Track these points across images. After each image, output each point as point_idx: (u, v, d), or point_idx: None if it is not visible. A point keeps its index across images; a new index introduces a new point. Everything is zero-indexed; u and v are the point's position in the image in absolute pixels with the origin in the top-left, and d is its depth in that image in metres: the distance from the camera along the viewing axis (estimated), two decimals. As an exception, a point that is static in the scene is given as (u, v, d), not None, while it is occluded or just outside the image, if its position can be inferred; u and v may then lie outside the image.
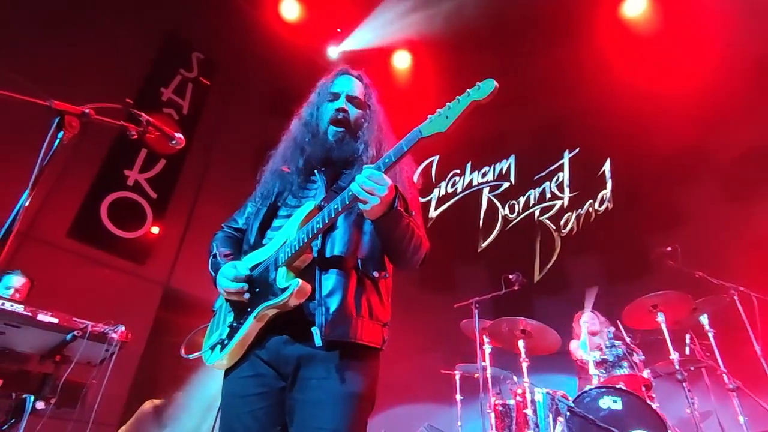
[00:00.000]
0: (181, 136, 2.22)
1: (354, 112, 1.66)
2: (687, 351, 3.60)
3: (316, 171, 1.60)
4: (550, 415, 3.52)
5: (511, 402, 3.78)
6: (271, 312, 1.35)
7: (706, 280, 3.71)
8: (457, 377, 4.36)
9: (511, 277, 4.35)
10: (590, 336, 4.20)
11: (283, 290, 1.31)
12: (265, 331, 1.38)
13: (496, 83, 1.20)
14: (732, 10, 5.24)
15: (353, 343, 1.31)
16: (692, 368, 3.54)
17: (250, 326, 1.36)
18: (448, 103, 1.25)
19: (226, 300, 1.49)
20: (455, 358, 4.48)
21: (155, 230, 5.03)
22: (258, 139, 5.85)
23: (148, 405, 4.46)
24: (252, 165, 1.83)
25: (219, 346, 1.42)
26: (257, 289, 1.40)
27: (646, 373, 3.49)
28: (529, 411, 3.47)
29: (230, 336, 1.40)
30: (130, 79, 5.23)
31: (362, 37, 6.84)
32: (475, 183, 7.04)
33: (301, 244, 1.34)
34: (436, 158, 7.21)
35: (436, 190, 7.08)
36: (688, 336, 3.65)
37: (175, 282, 5.02)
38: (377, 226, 1.37)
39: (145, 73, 5.41)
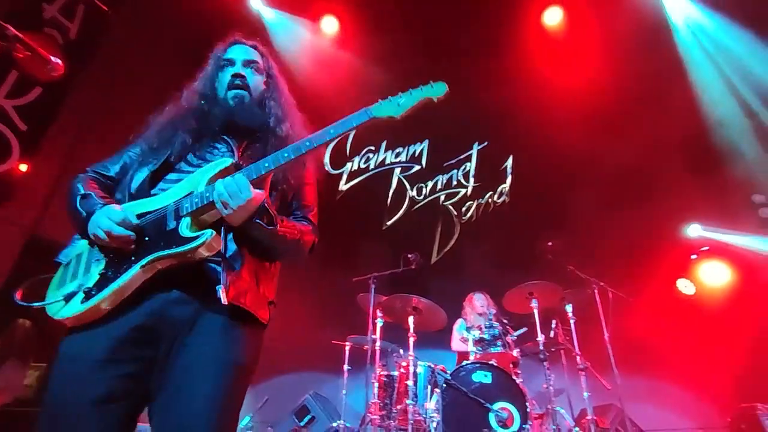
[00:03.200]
0: (59, 61, 1.92)
1: (253, 78, 1.62)
2: (552, 334, 4.07)
3: (225, 136, 1.52)
4: (429, 387, 3.78)
5: (395, 373, 3.99)
6: (163, 264, 1.24)
7: (575, 274, 4.19)
8: (347, 348, 4.48)
9: (410, 256, 4.53)
10: (477, 316, 4.56)
11: (190, 240, 1.22)
12: (150, 285, 1.24)
13: (447, 88, 1.36)
14: (626, 29, 5.80)
15: (245, 312, 1.29)
16: (553, 349, 4.02)
17: (133, 276, 1.22)
18: (400, 93, 1.37)
19: (100, 246, 1.29)
20: (347, 329, 4.59)
21: (23, 168, 4.36)
22: (161, 84, 5.28)
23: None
24: (151, 111, 1.66)
25: (82, 296, 1.23)
26: (147, 238, 1.27)
27: (515, 352, 3.88)
28: (410, 382, 3.68)
29: (100, 286, 1.22)
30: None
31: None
32: (388, 162, 7.13)
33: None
34: (352, 132, 7.14)
35: (348, 164, 7.05)
36: (554, 321, 4.11)
37: (45, 229, 4.43)
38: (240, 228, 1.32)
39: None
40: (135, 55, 5.47)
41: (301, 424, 4.32)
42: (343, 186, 6.96)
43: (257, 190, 1.28)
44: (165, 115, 1.59)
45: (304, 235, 1.45)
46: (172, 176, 1.43)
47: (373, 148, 7.18)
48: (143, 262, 1.23)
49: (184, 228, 1.26)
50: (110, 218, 1.25)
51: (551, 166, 6.30)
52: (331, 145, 7.14)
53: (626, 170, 5.80)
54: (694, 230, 5.51)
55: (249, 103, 1.55)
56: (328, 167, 6.97)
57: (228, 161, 1.37)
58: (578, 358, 3.82)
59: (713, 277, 5.36)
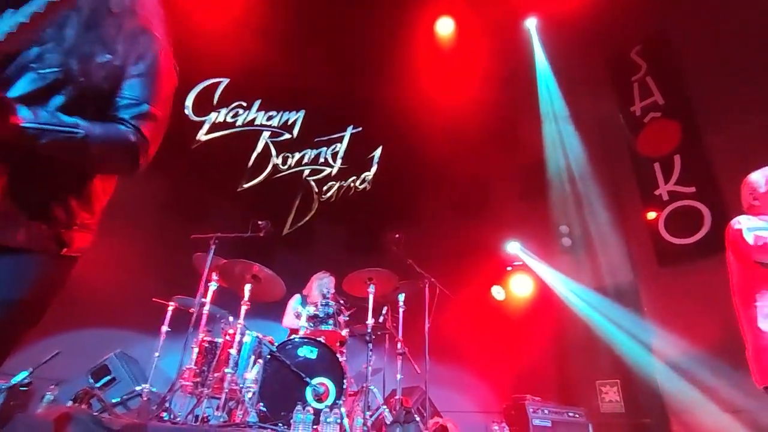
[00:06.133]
0: None
1: None
2: (381, 319, 4.33)
3: None
4: (252, 357, 3.69)
5: (219, 340, 3.79)
6: None
7: (413, 267, 4.52)
8: (170, 308, 4.12)
9: (260, 223, 4.33)
10: (319, 294, 4.58)
11: None
12: None
13: None
14: (502, 63, 6.48)
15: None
16: (379, 333, 4.29)
17: None
18: None
19: None
20: (174, 289, 4.21)
21: None
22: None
23: None
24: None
25: None
26: None
27: (344, 332, 4.02)
28: (233, 351, 3.54)
29: None
30: None
31: None
32: (257, 123, 6.74)
33: None
34: (225, 81, 6.57)
35: (213, 114, 6.46)
36: (385, 308, 4.39)
37: None
38: None
39: None
40: None
41: (97, 385, 3.82)
42: (203, 136, 6.36)
43: None
44: None
45: (94, 137, 1.02)
46: None
47: (244, 104, 6.71)
48: None
49: None
50: None
51: (413, 165, 6.70)
52: (195, 91, 6.49)
53: (472, 184, 6.48)
54: (513, 246, 6.41)
55: None
56: (189, 112, 6.29)
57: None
58: (399, 343, 4.15)
59: (520, 288, 6.33)
